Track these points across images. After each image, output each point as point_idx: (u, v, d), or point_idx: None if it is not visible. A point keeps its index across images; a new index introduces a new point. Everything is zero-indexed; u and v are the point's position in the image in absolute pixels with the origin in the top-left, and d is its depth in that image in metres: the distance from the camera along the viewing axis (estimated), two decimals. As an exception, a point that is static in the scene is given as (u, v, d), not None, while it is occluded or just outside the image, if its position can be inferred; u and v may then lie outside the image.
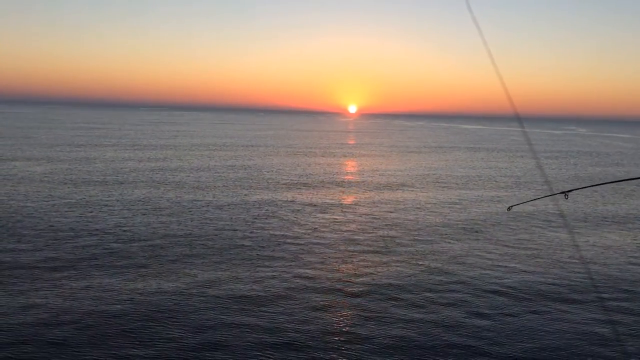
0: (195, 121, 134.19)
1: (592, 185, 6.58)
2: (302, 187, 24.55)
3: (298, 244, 14.44)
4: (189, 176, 27.70)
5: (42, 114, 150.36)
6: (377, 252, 13.98)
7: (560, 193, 6.52)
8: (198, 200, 20.55)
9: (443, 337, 8.95)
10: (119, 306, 9.79)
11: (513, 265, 13.19)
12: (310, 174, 30.37)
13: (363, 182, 27.22)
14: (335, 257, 13.19)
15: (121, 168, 30.14)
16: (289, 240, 14.78)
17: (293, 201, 20.82)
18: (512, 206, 7.93)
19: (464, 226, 17.41)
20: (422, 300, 10.55)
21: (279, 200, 21.04)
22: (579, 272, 12.74)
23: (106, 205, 18.99)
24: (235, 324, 9.18)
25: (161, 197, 20.99)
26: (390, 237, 15.63)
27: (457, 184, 28.05)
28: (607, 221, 19.27)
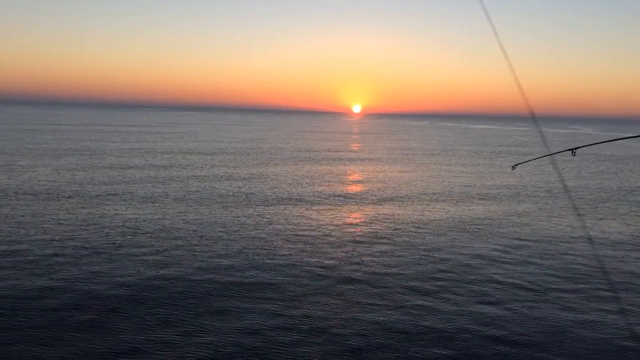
0: (201, 122, 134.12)
1: (599, 143, 6.54)
2: (303, 200, 23.86)
3: (299, 268, 14.10)
4: (189, 186, 27.45)
5: (44, 115, 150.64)
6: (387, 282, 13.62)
7: (568, 150, 6.63)
8: (196, 217, 20.23)
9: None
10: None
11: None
12: (311, 182, 30.06)
13: (367, 194, 26.70)
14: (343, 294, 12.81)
15: (122, 177, 29.97)
16: (293, 265, 14.45)
17: (293, 215, 20.43)
18: (516, 165, 7.72)
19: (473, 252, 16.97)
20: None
21: (279, 214, 20.67)
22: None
23: (103, 224, 18.71)
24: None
25: (164, 213, 20.71)
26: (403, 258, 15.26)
27: (462, 194, 27.66)
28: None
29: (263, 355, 8.46)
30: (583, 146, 6.45)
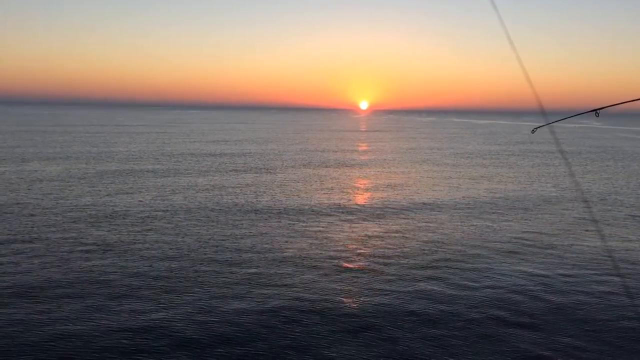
0: (208, 121, 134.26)
1: (628, 102, 6.04)
2: (312, 208, 22.55)
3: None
4: (196, 197, 27.48)
5: (52, 115, 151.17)
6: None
7: (591, 111, 6.17)
8: (203, 228, 20.29)
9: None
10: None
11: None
12: (320, 188, 29.96)
13: (377, 203, 26.00)
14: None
15: (132, 182, 30.07)
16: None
17: (303, 224, 20.34)
18: (536, 128, 7.31)
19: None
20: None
21: (287, 223, 20.58)
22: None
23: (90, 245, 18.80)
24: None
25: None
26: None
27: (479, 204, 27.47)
28: None
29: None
30: (607, 106, 6.21)
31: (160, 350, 8.97)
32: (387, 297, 11.57)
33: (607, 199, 24.93)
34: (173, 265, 13.53)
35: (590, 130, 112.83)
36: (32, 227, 17.16)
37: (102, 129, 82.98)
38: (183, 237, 16.33)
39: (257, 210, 20.75)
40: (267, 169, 34.33)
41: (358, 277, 12.86)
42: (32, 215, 19.05)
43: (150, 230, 17.21)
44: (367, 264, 13.94)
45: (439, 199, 24.08)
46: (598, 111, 6.05)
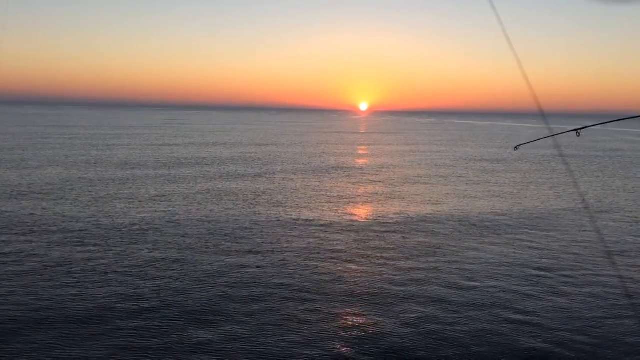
0: (207, 122, 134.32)
1: (607, 122, 6.23)
2: (301, 225, 22.99)
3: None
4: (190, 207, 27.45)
5: (53, 116, 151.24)
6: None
7: (573, 130, 6.30)
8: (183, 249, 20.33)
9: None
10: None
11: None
12: (313, 193, 29.99)
13: (379, 217, 25.46)
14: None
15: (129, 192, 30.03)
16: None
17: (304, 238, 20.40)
18: (519, 145, 7.54)
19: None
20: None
21: (286, 236, 20.63)
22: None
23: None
24: None
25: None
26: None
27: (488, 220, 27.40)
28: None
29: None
30: (589, 126, 6.39)
31: (168, 349, 9.11)
32: (386, 297, 11.70)
33: (605, 200, 25.06)
34: (174, 265, 13.68)
35: (589, 132, 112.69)
36: (32, 227, 17.28)
37: (102, 130, 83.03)
38: (183, 237, 16.46)
39: (257, 212, 20.85)
40: (267, 172, 34.43)
41: (357, 277, 12.99)
42: (32, 214, 19.17)
43: (150, 230, 17.33)
44: (366, 264, 14.06)
45: (438, 201, 24.18)
46: (579, 131, 6.22)
